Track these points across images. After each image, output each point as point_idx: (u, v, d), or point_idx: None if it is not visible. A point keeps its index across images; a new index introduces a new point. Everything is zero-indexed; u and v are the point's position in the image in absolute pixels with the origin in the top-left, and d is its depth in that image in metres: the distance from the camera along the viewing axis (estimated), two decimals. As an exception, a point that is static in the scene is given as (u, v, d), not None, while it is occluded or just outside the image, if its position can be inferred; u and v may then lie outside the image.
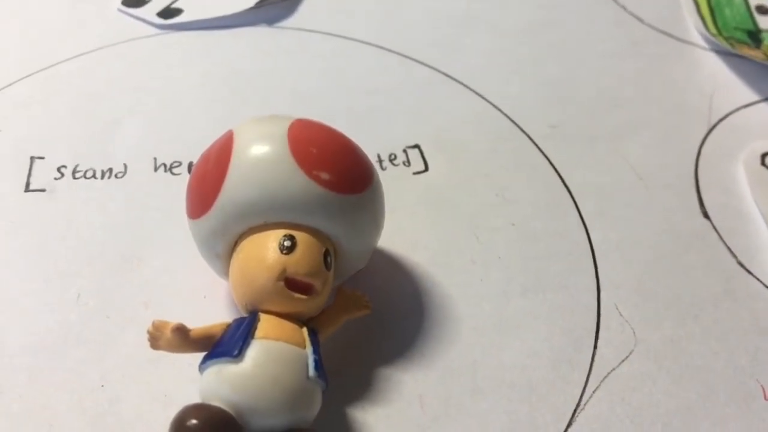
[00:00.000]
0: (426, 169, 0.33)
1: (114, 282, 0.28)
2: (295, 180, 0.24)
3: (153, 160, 0.33)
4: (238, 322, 0.23)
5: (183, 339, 0.23)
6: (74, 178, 0.32)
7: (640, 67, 0.39)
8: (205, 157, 0.25)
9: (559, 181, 0.33)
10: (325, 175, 0.24)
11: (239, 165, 0.24)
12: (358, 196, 0.25)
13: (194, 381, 0.23)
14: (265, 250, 0.23)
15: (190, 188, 0.26)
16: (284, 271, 0.23)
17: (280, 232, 0.24)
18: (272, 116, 0.25)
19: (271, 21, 0.40)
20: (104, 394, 0.25)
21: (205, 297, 0.28)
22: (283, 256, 0.23)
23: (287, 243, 0.23)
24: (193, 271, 0.28)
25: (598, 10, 0.43)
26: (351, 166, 0.25)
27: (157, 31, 0.40)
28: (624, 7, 0.43)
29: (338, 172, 0.24)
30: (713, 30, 0.41)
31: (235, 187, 0.24)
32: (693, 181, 0.33)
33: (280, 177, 0.24)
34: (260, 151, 0.24)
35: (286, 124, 0.25)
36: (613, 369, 0.26)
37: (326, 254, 0.24)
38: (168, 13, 0.40)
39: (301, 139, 0.24)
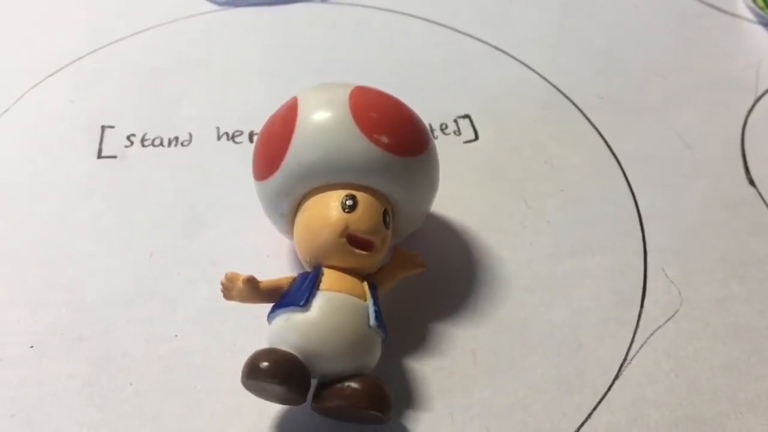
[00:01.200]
0: (476, 137, 0.34)
1: (183, 242, 0.30)
2: (356, 143, 0.25)
3: (216, 129, 0.35)
4: (304, 276, 0.25)
5: (253, 290, 0.24)
6: (143, 145, 0.34)
7: (687, 39, 0.40)
8: (271, 122, 0.27)
9: (607, 149, 0.34)
10: (384, 139, 0.25)
11: (304, 129, 0.25)
12: (415, 159, 0.26)
13: (261, 332, 0.25)
14: (328, 209, 0.25)
15: (257, 152, 0.27)
16: (347, 228, 0.25)
17: (342, 192, 0.25)
18: (334, 83, 0.27)
19: (324, -3, 0.42)
20: (177, 344, 0.27)
21: (268, 256, 0.29)
22: (346, 214, 0.25)
23: (349, 202, 0.25)
24: (256, 231, 0.30)
25: (646, -16, 0.43)
26: (409, 130, 0.26)
27: (216, 8, 0.41)
28: (672, -19, 0.43)
29: (397, 135, 0.26)
30: (760, 3, 0.41)
31: (300, 149, 0.25)
32: (739, 149, 0.34)
33: (343, 140, 0.25)
34: (323, 116, 0.25)
35: (347, 91, 0.26)
36: (659, 327, 0.27)
37: (385, 213, 0.26)
38: (226, -10, 0.42)
39: (361, 105, 0.26)
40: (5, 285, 0.29)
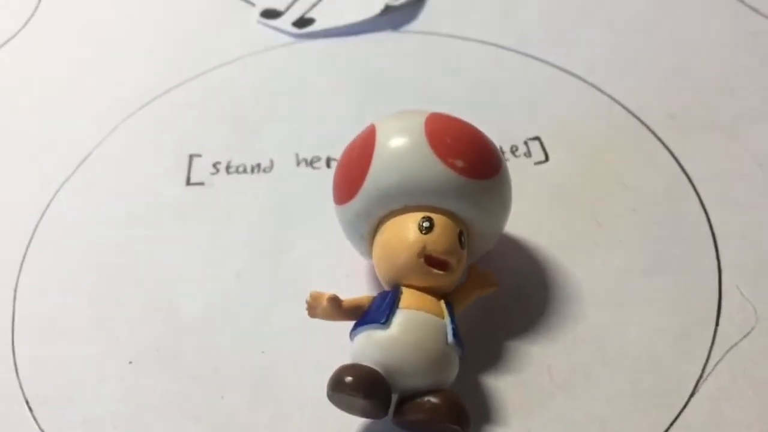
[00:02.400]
0: (546, 159, 0.35)
1: (267, 263, 0.32)
2: (432, 167, 0.26)
3: (295, 156, 0.36)
4: (383, 295, 0.26)
5: (336, 308, 0.26)
6: (228, 173, 0.36)
7: (757, 58, 0.39)
8: (350, 149, 0.28)
9: (679, 168, 0.34)
10: (459, 163, 0.26)
11: (382, 154, 0.27)
12: (489, 181, 0.27)
13: (344, 349, 0.26)
14: (406, 231, 0.26)
15: (337, 177, 0.29)
16: (424, 248, 0.26)
17: (420, 215, 0.26)
18: (409, 110, 0.28)
19: (396, 26, 0.43)
20: (265, 359, 0.29)
21: (347, 276, 0.31)
22: (423, 235, 0.26)
23: (426, 224, 0.26)
24: (336, 253, 0.31)
25: (714, 3, 0.43)
26: (482, 154, 0.27)
27: (293, 39, 0.43)
28: (741, 0, 0.43)
29: (471, 159, 0.27)
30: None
31: (378, 174, 0.27)
32: (815, 167, 0.34)
33: (419, 164, 0.26)
34: (401, 142, 0.27)
35: (423, 117, 0.27)
36: (735, 344, 0.28)
37: (461, 234, 0.27)
38: (302, 22, 0.44)
39: (436, 130, 0.27)
40: (105, 306, 0.31)
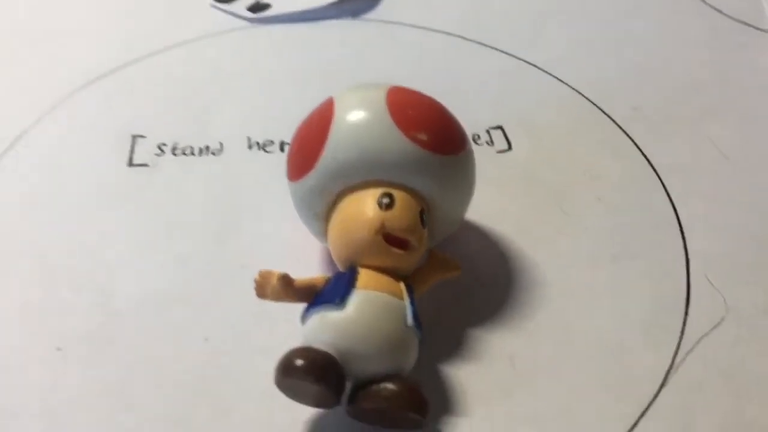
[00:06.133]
0: (509, 148, 0.34)
1: (214, 248, 0.30)
2: (394, 140, 0.25)
3: (247, 139, 0.34)
4: (339, 275, 0.24)
5: (287, 287, 0.24)
6: (174, 154, 0.34)
7: (720, 55, 0.39)
8: (307, 121, 0.27)
9: (644, 159, 0.33)
10: (422, 136, 0.25)
11: (340, 126, 0.25)
12: (454, 157, 0.26)
13: (293, 335, 0.24)
14: (364, 207, 0.25)
15: (292, 151, 0.27)
16: (383, 225, 0.24)
17: (379, 190, 0.25)
18: (370, 83, 0.27)
19: (355, 13, 0.42)
20: (208, 347, 0.27)
21: (299, 261, 0.29)
22: (382, 212, 0.24)
23: (386, 200, 0.24)
24: (288, 238, 0.29)
25: (677, 2, 0.43)
26: (447, 129, 0.26)
27: (247, 24, 0.41)
28: (703, 0, 0.43)
29: (435, 133, 0.25)
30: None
31: (336, 147, 0.25)
32: (780, 160, 0.33)
33: (380, 137, 0.25)
34: (360, 113, 0.25)
35: (384, 89, 0.26)
36: (705, 334, 0.26)
37: (422, 213, 0.25)
38: (257, 7, 0.42)
39: (399, 102, 0.25)
40: (35, 289, 0.28)
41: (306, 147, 0.26)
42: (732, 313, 0.27)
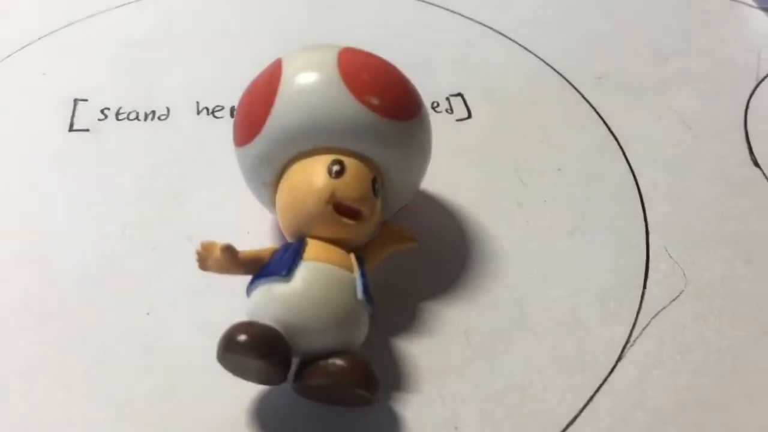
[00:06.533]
0: (469, 116, 0.33)
1: (158, 217, 0.28)
2: (345, 104, 0.23)
3: (195, 104, 0.33)
4: (286, 246, 0.23)
5: (231, 259, 0.23)
6: (117, 119, 0.32)
7: (688, 23, 0.39)
8: (254, 84, 0.25)
9: (606, 129, 0.32)
10: (375, 100, 0.24)
11: (289, 89, 0.24)
12: (407, 123, 0.24)
13: (238, 311, 0.23)
14: (313, 174, 0.23)
15: (238, 115, 0.25)
16: (333, 194, 0.23)
17: (329, 157, 0.23)
18: (321, 45, 0.25)
19: (312, -26, 0.40)
20: (150, 321, 0.25)
21: (248, 232, 0.28)
22: (333, 180, 0.23)
23: (336, 167, 0.23)
24: (236, 207, 0.28)
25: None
26: (401, 93, 0.25)
27: (198, -16, 0.40)
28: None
29: (389, 97, 0.24)
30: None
31: (284, 111, 0.24)
32: (742, 131, 0.32)
33: (331, 101, 0.23)
34: (310, 76, 0.24)
35: (336, 51, 0.24)
36: (663, 308, 0.26)
37: (374, 181, 0.24)
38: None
39: (351, 65, 0.24)
40: (-34, 259, 0.27)
41: (252, 111, 0.24)
42: (691, 285, 0.27)
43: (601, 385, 0.24)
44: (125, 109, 0.32)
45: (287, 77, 0.24)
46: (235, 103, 0.32)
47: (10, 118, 0.32)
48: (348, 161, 0.23)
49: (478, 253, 0.27)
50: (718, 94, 0.34)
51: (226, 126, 0.31)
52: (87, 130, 0.31)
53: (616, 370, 0.24)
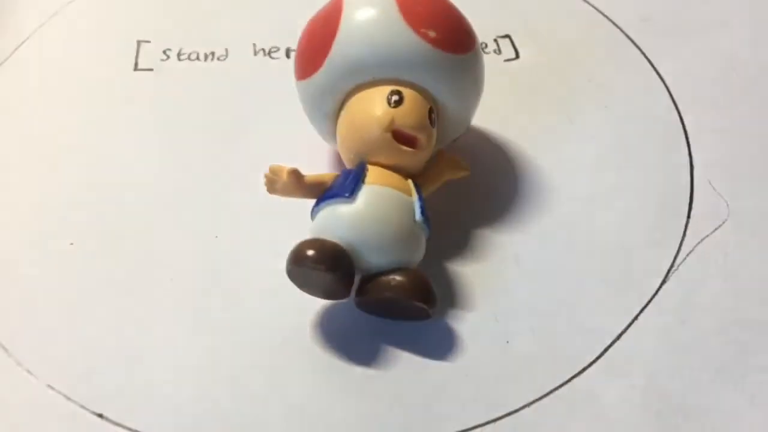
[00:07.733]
0: (517, 56, 0.34)
1: (221, 149, 0.30)
2: (403, 37, 0.25)
3: (252, 46, 0.34)
4: (348, 171, 0.25)
5: (297, 182, 0.24)
6: (179, 59, 0.33)
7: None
8: (315, 19, 0.26)
9: (651, 68, 0.33)
10: (432, 33, 0.25)
11: (349, 23, 0.25)
12: (463, 56, 0.26)
13: (303, 232, 0.24)
14: (373, 104, 0.25)
15: (300, 49, 0.27)
16: (392, 122, 0.24)
17: (388, 88, 0.25)
18: (380, -18, 0.26)
19: None
20: (218, 244, 0.27)
21: (308, 163, 0.29)
22: (392, 109, 0.24)
23: (395, 97, 0.24)
24: (295, 141, 0.29)
25: None
26: (457, 27, 0.26)
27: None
28: None
29: (445, 31, 0.25)
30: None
31: (345, 44, 0.25)
32: (788, 71, 0.33)
33: (389, 34, 0.25)
34: (370, 10, 0.25)
35: (395, -14, 0.25)
36: (707, 236, 0.27)
37: (431, 111, 0.25)
38: None
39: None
40: (45, 186, 0.29)
41: (314, 45, 0.26)
42: (734, 216, 0.27)
43: (646, 305, 0.25)
44: (186, 50, 0.34)
45: (348, 12, 0.25)
46: (290, 45, 0.34)
47: (78, 59, 0.33)
48: (406, 92, 0.25)
49: (527, 185, 0.29)
50: (764, 35, 0.35)
51: (282, 66, 0.33)
52: (151, 69, 0.33)
53: (660, 291, 0.25)
